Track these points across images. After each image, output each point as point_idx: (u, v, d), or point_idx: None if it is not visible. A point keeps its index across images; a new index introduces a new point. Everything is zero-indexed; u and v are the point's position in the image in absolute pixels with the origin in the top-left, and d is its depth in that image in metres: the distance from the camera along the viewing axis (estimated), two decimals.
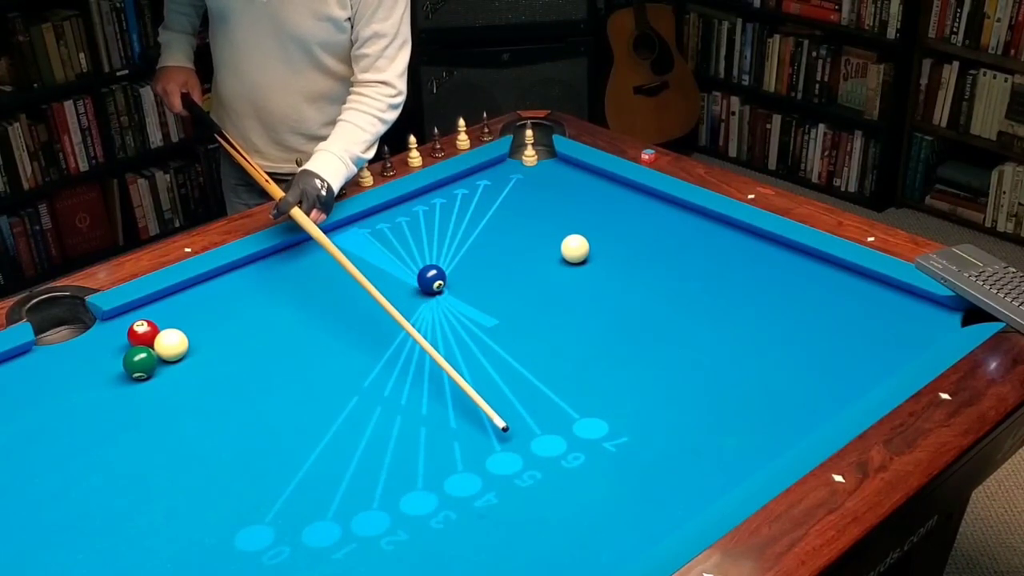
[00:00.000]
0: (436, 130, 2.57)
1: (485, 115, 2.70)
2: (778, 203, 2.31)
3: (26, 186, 3.81)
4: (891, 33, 4.09)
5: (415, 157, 2.51)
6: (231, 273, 2.17)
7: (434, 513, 1.57)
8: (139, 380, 1.87)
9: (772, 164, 4.63)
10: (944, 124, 4.13)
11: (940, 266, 2.02)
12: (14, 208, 3.83)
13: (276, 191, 2.21)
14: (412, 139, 2.51)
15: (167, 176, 4.16)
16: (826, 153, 4.44)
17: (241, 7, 2.37)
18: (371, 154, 2.39)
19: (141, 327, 1.92)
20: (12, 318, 1.97)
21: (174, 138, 4.15)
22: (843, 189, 4.44)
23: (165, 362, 1.91)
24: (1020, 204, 4.02)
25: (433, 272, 2.09)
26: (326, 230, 2.21)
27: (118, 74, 3.92)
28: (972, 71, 3.99)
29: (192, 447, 1.73)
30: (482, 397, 1.76)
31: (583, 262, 2.18)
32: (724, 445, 1.69)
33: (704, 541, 1.46)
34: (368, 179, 2.43)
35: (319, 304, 2.07)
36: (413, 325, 1.95)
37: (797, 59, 4.39)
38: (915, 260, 2.06)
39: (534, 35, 4.08)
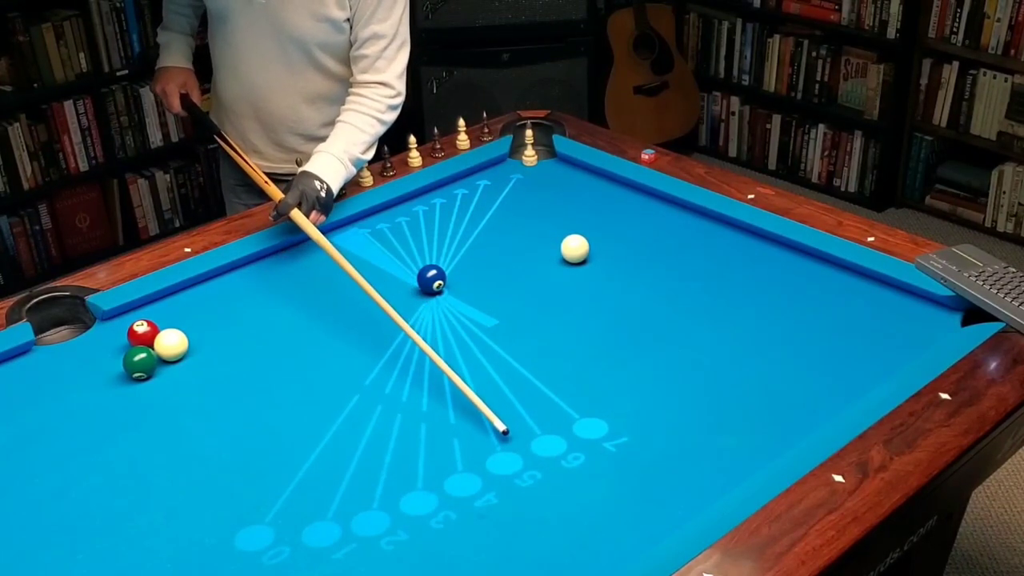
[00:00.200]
0: (436, 130, 2.57)
1: (485, 115, 2.70)
2: (778, 203, 2.31)
3: (26, 186, 3.80)
4: (891, 33, 4.09)
5: (415, 157, 2.51)
6: (231, 273, 2.17)
7: (434, 513, 1.57)
8: (139, 380, 1.87)
9: (772, 164, 4.63)
10: (944, 124, 4.13)
11: (940, 266, 2.02)
12: (14, 208, 3.83)
13: (275, 192, 2.21)
14: (412, 139, 2.51)
15: (167, 176, 4.16)
16: (826, 153, 4.44)
17: (240, 8, 2.37)
18: (370, 155, 2.39)
19: (141, 327, 1.92)
20: (12, 318, 1.97)
21: (174, 138, 4.15)
22: (843, 189, 4.44)
23: (165, 362, 1.91)
24: (1020, 204, 4.02)
25: (433, 272, 2.09)
26: (326, 230, 2.22)
27: (118, 74, 3.92)
28: (972, 71, 3.99)
29: (192, 447, 1.73)
30: (482, 397, 1.76)
31: (583, 262, 2.18)
32: (724, 445, 1.69)
33: (704, 541, 1.46)
34: (368, 179, 2.43)
35: (319, 304, 2.07)
36: (413, 325, 1.95)
37: (797, 59, 4.39)
38: (915, 260, 2.06)
39: (534, 35, 4.08)
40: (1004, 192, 4.03)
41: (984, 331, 1.88)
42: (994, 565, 2.70)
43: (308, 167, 2.24)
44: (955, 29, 3.97)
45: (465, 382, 1.80)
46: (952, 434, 1.65)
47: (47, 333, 2.01)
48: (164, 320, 1.96)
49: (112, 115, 3.94)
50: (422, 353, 1.88)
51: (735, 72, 4.61)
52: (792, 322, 1.98)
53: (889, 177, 4.33)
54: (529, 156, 2.56)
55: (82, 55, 3.81)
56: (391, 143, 2.48)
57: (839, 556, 1.45)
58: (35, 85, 3.74)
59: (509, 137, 2.61)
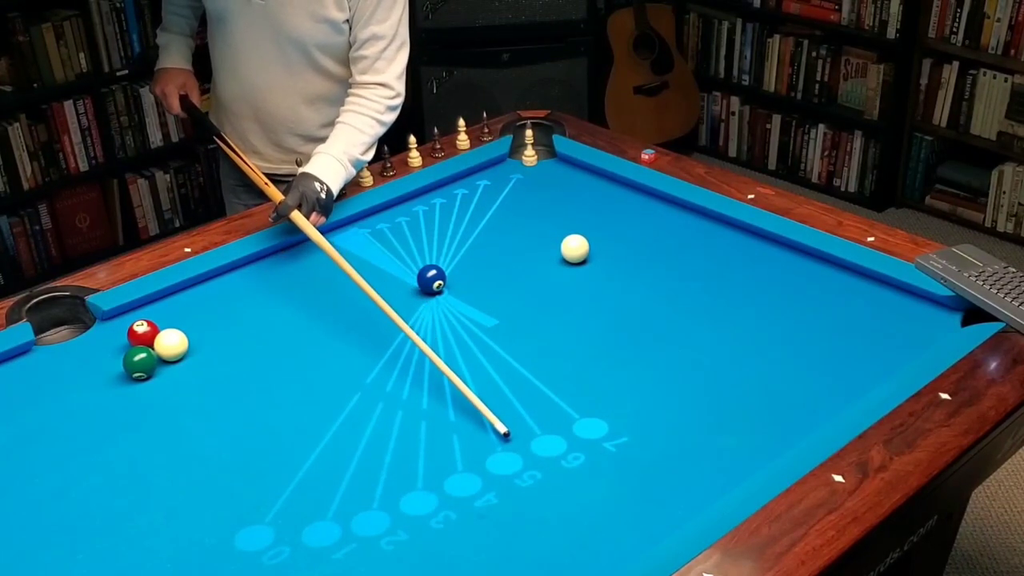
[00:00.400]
0: (436, 130, 2.57)
1: (485, 115, 2.70)
2: (778, 203, 2.31)
3: (26, 186, 3.80)
4: (891, 33, 4.09)
5: (415, 157, 2.51)
6: (231, 273, 2.17)
7: (434, 513, 1.57)
8: (139, 380, 1.87)
9: (772, 164, 4.63)
10: (944, 124, 4.13)
11: (940, 266, 2.02)
12: (14, 208, 3.83)
13: (275, 194, 2.20)
14: (412, 139, 2.51)
15: (167, 176, 4.16)
16: (826, 153, 4.44)
17: (239, 9, 2.37)
18: (370, 156, 2.39)
19: (141, 327, 1.92)
20: (12, 318, 1.97)
21: (174, 138, 4.15)
22: (843, 189, 4.44)
23: (165, 362, 1.91)
24: (1020, 204, 4.02)
25: (433, 272, 2.09)
26: (326, 230, 2.22)
27: (118, 74, 3.92)
28: (972, 71, 3.99)
29: (192, 447, 1.73)
30: (482, 397, 1.76)
31: (583, 262, 2.18)
32: (724, 445, 1.69)
33: (704, 541, 1.46)
34: (368, 179, 2.43)
35: (319, 304, 2.07)
36: (413, 325, 1.95)
37: (797, 59, 4.39)
38: (915, 260, 2.06)
39: (534, 35, 4.07)
40: (1004, 192, 4.03)
41: (984, 331, 1.88)
42: (994, 565, 2.70)
43: (308, 168, 2.24)
44: (955, 29, 3.97)
45: (465, 382, 1.80)
46: (952, 434, 1.65)
47: (47, 333, 2.01)
48: (164, 320, 1.96)
49: (112, 115, 3.94)
50: (422, 353, 1.88)
51: (735, 72, 4.61)
52: (792, 322, 1.98)
53: (889, 177, 4.33)
54: (529, 156, 2.56)
55: (82, 55, 3.81)
56: (391, 143, 2.48)
57: (839, 556, 1.45)
58: (35, 85, 3.74)
59: (509, 137, 2.61)
